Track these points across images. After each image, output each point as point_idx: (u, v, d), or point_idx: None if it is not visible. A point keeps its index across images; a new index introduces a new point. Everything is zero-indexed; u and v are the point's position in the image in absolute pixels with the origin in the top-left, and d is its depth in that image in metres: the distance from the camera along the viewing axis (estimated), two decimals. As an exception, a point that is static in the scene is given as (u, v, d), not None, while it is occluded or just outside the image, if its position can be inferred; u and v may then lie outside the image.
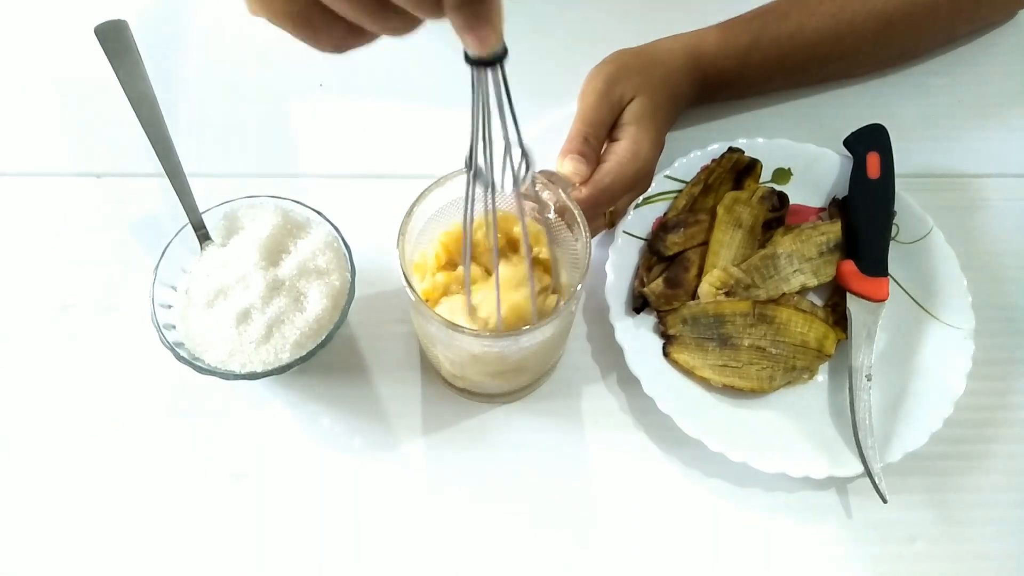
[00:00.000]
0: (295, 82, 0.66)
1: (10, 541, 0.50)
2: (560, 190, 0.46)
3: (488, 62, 0.31)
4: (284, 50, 0.66)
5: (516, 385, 0.53)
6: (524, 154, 0.36)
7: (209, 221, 0.53)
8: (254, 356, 0.49)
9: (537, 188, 0.47)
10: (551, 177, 0.47)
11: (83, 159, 0.62)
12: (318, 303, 0.50)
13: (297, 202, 0.53)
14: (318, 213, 0.53)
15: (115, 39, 0.52)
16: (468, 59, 0.31)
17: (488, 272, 0.48)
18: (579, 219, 0.44)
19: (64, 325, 0.56)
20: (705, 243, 0.56)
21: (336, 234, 0.52)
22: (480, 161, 0.36)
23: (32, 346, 0.55)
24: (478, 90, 0.32)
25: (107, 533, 0.50)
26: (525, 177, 0.37)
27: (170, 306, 0.51)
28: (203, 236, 0.53)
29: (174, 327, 0.50)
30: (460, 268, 0.48)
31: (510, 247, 0.48)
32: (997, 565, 0.50)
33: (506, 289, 0.44)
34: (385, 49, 0.67)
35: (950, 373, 0.52)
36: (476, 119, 0.34)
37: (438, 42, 0.68)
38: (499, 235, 0.45)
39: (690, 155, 0.58)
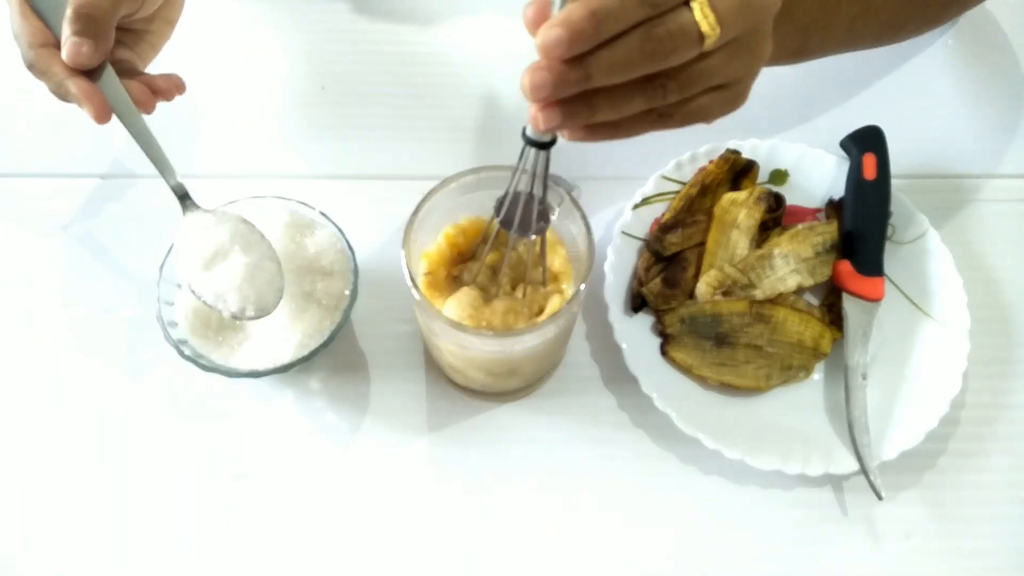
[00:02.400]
0: (297, 84, 0.66)
1: (11, 541, 0.50)
2: (563, 191, 0.46)
3: (542, 144, 0.37)
4: (286, 53, 0.68)
5: (518, 385, 0.53)
6: (545, 211, 0.43)
7: None
8: (256, 354, 0.49)
9: None
10: (554, 179, 0.47)
11: (88, 160, 0.62)
12: (322, 304, 0.50)
13: (302, 203, 0.53)
14: (323, 215, 0.53)
15: None
16: (525, 138, 0.37)
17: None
18: (582, 219, 0.45)
19: (67, 325, 0.56)
20: (702, 243, 0.56)
21: (340, 235, 0.53)
22: (507, 208, 0.42)
23: (35, 346, 0.56)
24: (524, 160, 0.38)
25: (111, 531, 0.50)
26: (543, 228, 0.43)
27: (172, 303, 0.52)
28: (184, 199, 0.50)
29: (177, 324, 0.51)
30: (463, 269, 0.49)
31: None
32: (992, 562, 0.51)
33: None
34: (386, 52, 0.68)
35: (946, 372, 0.53)
36: (514, 179, 0.40)
37: (439, 44, 0.69)
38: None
39: (687, 156, 0.59)
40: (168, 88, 0.51)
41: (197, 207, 0.50)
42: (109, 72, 0.47)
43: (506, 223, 0.43)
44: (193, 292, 0.48)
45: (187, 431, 0.53)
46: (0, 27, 0.51)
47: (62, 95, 0.47)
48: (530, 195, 0.41)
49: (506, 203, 0.42)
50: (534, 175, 0.39)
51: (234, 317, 0.48)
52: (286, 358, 0.49)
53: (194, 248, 0.49)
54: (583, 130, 0.35)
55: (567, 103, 0.33)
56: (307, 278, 0.51)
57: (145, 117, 0.49)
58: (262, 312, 0.48)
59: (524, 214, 0.42)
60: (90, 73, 0.47)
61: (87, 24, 0.45)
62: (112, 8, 0.46)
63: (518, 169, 0.40)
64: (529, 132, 0.37)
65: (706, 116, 0.38)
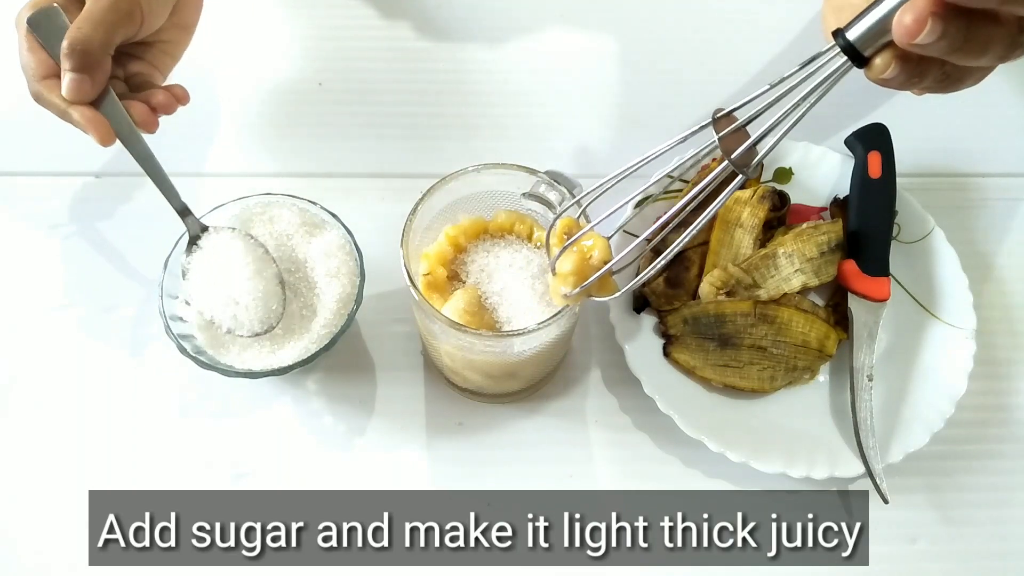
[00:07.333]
0: (294, 82, 0.65)
1: (12, 539, 0.50)
2: (567, 190, 0.46)
3: (857, 57, 0.32)
4: (283, 49, 0.67)
5: (517, 387, 0.53)
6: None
7: (223, 216, 0.52)
8: (256, 355, 0.49)
9: (543, 189, 0.46)
10: (556, 178, 0.47)
11: (82, 158, 0.61)
12: (327, 307, 0.50)
13: (312, 202, 0.53)
14: (332, 215, 0.52)
15: (48, 27, 0.49)
16: (841, 40, 0.32)
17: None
18: (584, 218, 0.44)
19: (65, 324, 0.56)
20: (706, 243, 0.56)
21: (349, 237, 0.52)
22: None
23: (33, 346, 0.55)
24: (807, 69, 0.34)
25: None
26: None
27: (176, 297, 0.51)
28: (185, 215, 0.51)
29: (181, 319, 0.50)
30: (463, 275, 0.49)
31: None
32: (999, 565, 0.50)
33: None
34: (386, 48, 0.67)
35: (951, 373, 0.52)
36: (788, 81, 0.36)
37: (441, 40, 0.68)
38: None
39: (690, 154, 0.58)
40: (167, 102, 0.52)
41: (202, 227, 0.51)
42: (111, 97, 0.49)
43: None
44: (196, 310, 0.50)
45: (186, 432, 0.53)
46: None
47: (66, 120, 0.49)
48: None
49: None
50: (801, 99, 0.34)
51: (232, 332, 0.49)
52: (285, 361, 0.49)
53: (198, 268, 0.50)
54: (913, 67, 0.32)
55: (948, 21, 0.29)
56: (310, 280, 0.51)
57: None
58: (256, 332, 0.49)
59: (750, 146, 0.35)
60: (93, 100, 0.48)
61: (81, 59, 0.47)
62: (105, 40, 0.47)
63: (791, 76, 0.34)
64: (856, 35, 0.30)
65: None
